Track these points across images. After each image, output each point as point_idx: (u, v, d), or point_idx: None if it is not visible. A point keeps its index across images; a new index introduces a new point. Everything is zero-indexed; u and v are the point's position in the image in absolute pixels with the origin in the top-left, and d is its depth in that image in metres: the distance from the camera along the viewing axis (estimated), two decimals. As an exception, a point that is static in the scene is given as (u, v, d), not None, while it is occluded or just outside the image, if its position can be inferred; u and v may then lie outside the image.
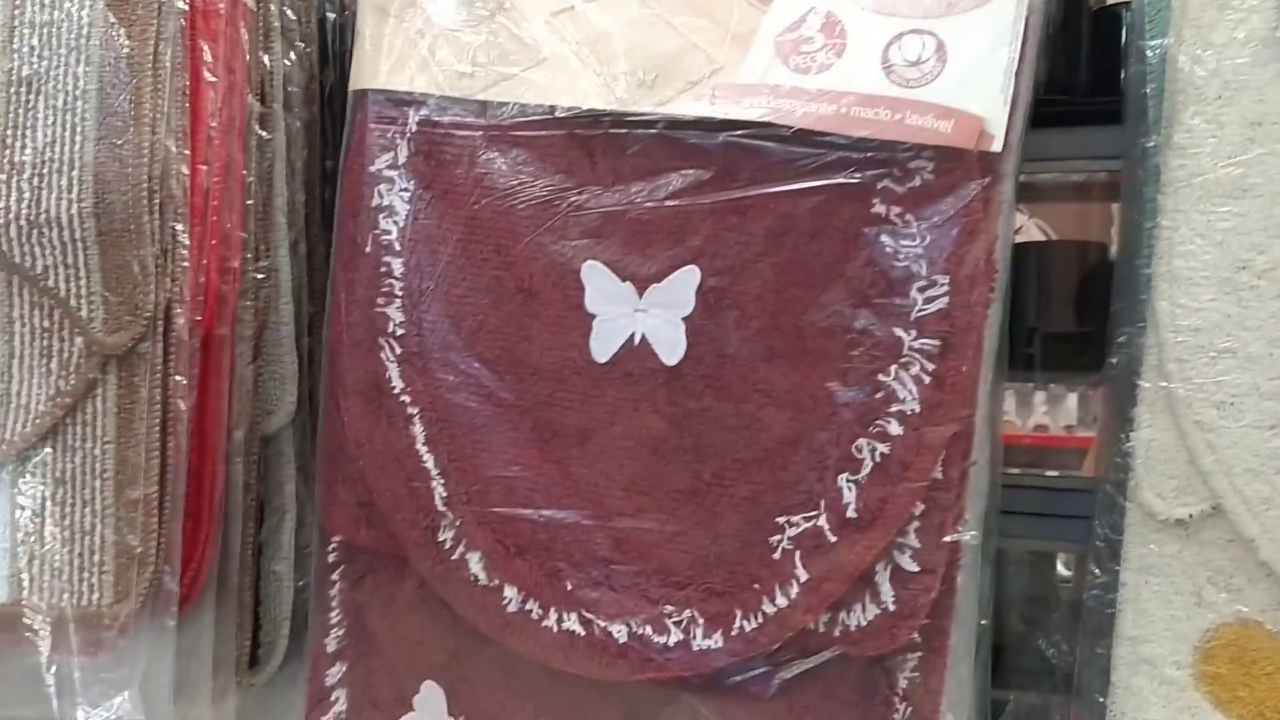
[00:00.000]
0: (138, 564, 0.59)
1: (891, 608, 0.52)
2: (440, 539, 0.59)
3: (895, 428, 0.52)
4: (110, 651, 0.58)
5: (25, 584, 0.60)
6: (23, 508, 0.61)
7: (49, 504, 0.61)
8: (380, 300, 0.60)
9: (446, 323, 0.59)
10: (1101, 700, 0.56)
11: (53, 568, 0.60)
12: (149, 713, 0.58)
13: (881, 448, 0.52)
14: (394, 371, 0.60)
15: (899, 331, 0.52)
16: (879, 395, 0.52)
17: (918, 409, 0.52)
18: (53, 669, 0.58)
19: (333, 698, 0.63)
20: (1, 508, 0.62)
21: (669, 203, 0.56)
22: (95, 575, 0.60)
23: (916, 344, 0.52)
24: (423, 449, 0.59)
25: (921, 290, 0.52)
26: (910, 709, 0.53)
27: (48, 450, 0.61)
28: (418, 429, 0.59)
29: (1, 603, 0.61)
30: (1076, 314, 0.91)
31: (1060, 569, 0.88)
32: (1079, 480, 0.76)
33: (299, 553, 0.67)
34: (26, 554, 0.60)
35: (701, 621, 0.54)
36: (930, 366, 0.52)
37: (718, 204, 0.55)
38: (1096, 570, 0.56)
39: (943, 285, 0.52)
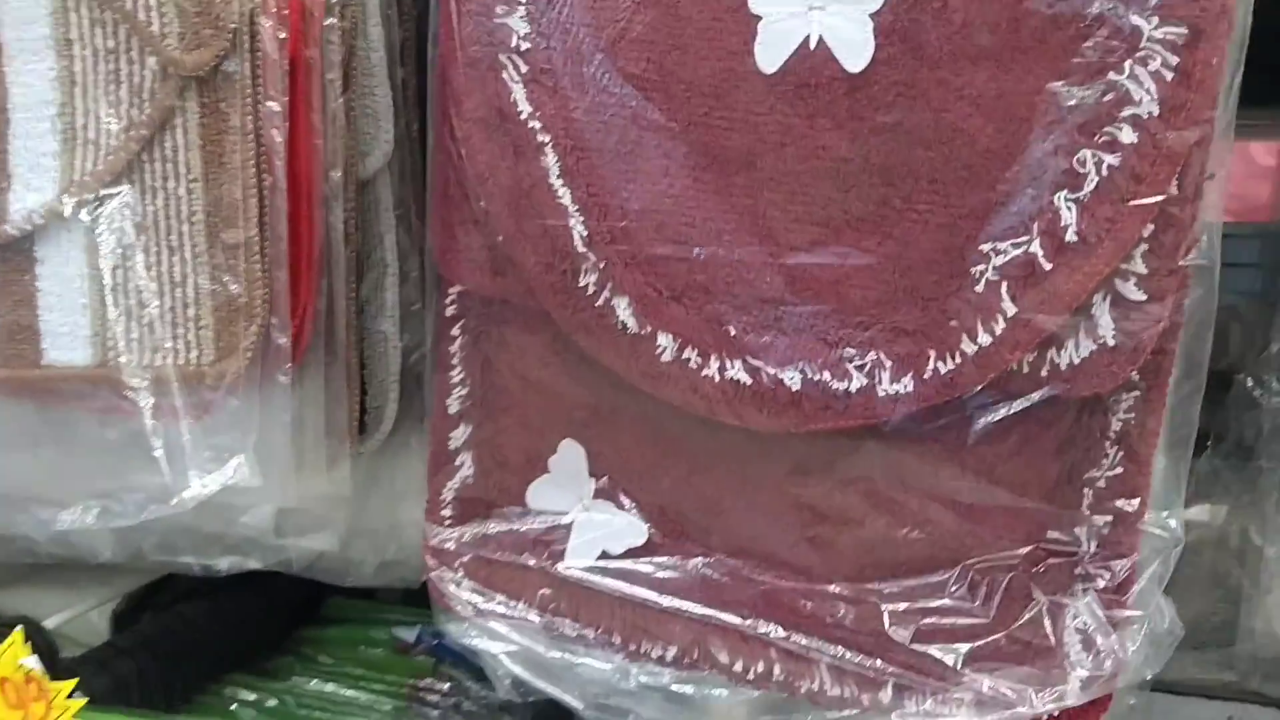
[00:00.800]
0: (242, 316, 0.53)
1: (1111, 342, 0.47)
2: (582, 283, 0.52)
3: (1128, 134, 0.45)
4: (219, 413, 0.53)
5: (114, 343, 0.54)
6: (102, 258, 0.54)
7: (133, 253, 0.54)
8: (500, 9, 0.52)
9: (581, 32, 0.51)
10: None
11: (143, 324, 0.54)
12: (267, 477, 0.53)
13: (1109, 159, 0.45)
14: (519, 93, 0.52)
15: (1136, 19, 0.44)
16: (1109, 97, 0.45)
17: (1156, 111, 0.44)
18: (159, 434, 0.53)
19: (457, 462, 0.58)
20: (74, 259, 0.55)
21: (852, -128, 0.47)
22: (193, 331, 0.54)
23: (1158, 33, 0.44)
24: (557, 182, 0.52)
25: (1166, -32, 0.44)
26: (1122, 454, 0.48)
27: (125, 191, 0.54)
28: (550, 159, 0.52)
29: (84, 365, 0.56)
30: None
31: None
32: (1252, 227, 0.70)
33: (403, 310, 0.61)
34: (114, 310, 0.54)
35: (889, 364, 0.49)
36: (1174, 60, 0.44)
37: None
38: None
39: (1191, -39, 0.44)
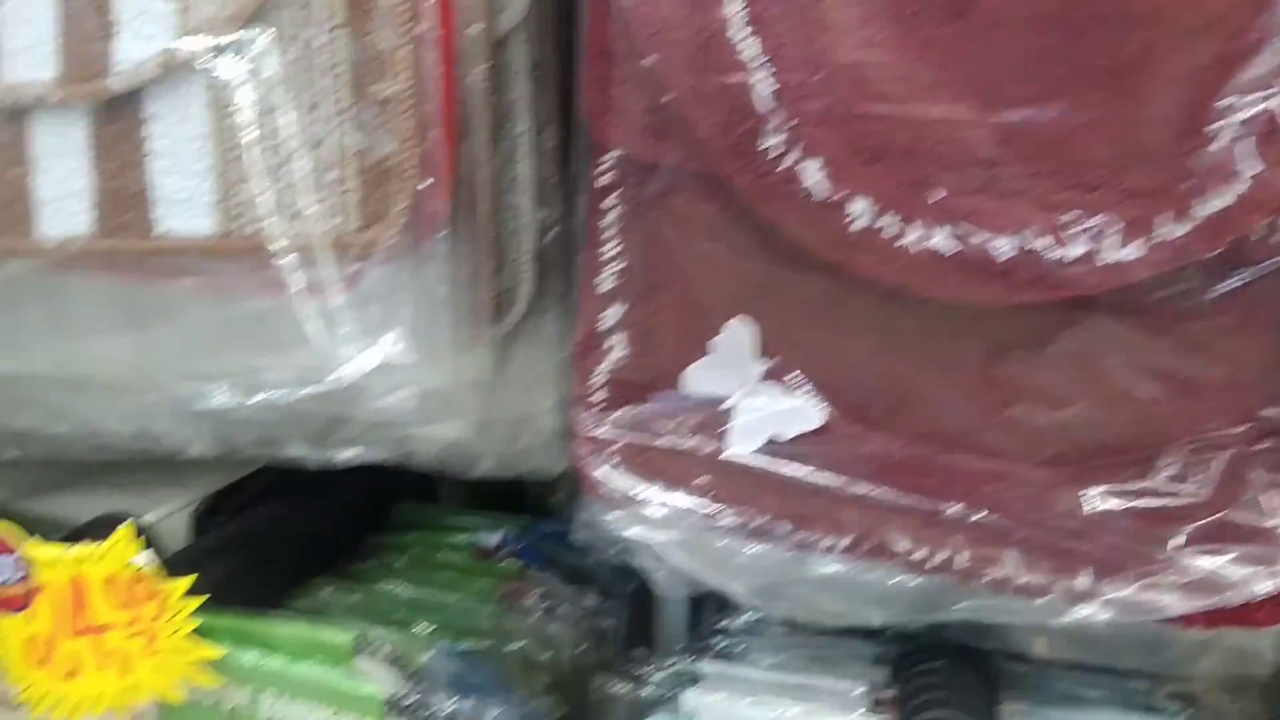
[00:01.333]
0: (394, 178, 0.48)
1: (1358, 204, 0.44)
2: (763, 145, 0.48)
3: (1393, -23, 0.42)
4: (368, 285, 0.48)
5: (244, 211, 0.49)
6: (230, 115, 0.49)
7: (266, 109, 0.49)
8: None
9: None
10: None
11: (280, 188, 0.49)
12: (422, 353, 0.49)
13: (1371, 4, 0.42)
14: (698, -67, 0.47)
15: None
16: (1372, -65, 0.42)
17: None
18: (303, 309, 0.48)
19: (607, 345, 0.54)
20: (194, 117, 0.50)
21: None
22: (336, 195, 0.49)
23: None
24: (742, 33, 0.47)
25: None
26: (1355, 328, 0.46)
27: (256, 38, 0.48)
28: (734, 8, 0.47)
29: (206, 235, 0.51)
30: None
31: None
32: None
33: (539, 184, 0.56)
34: (245, 173, 0.49)
35: (1115, 230, 0.45)
36: None
37: None
38: None
39: None
